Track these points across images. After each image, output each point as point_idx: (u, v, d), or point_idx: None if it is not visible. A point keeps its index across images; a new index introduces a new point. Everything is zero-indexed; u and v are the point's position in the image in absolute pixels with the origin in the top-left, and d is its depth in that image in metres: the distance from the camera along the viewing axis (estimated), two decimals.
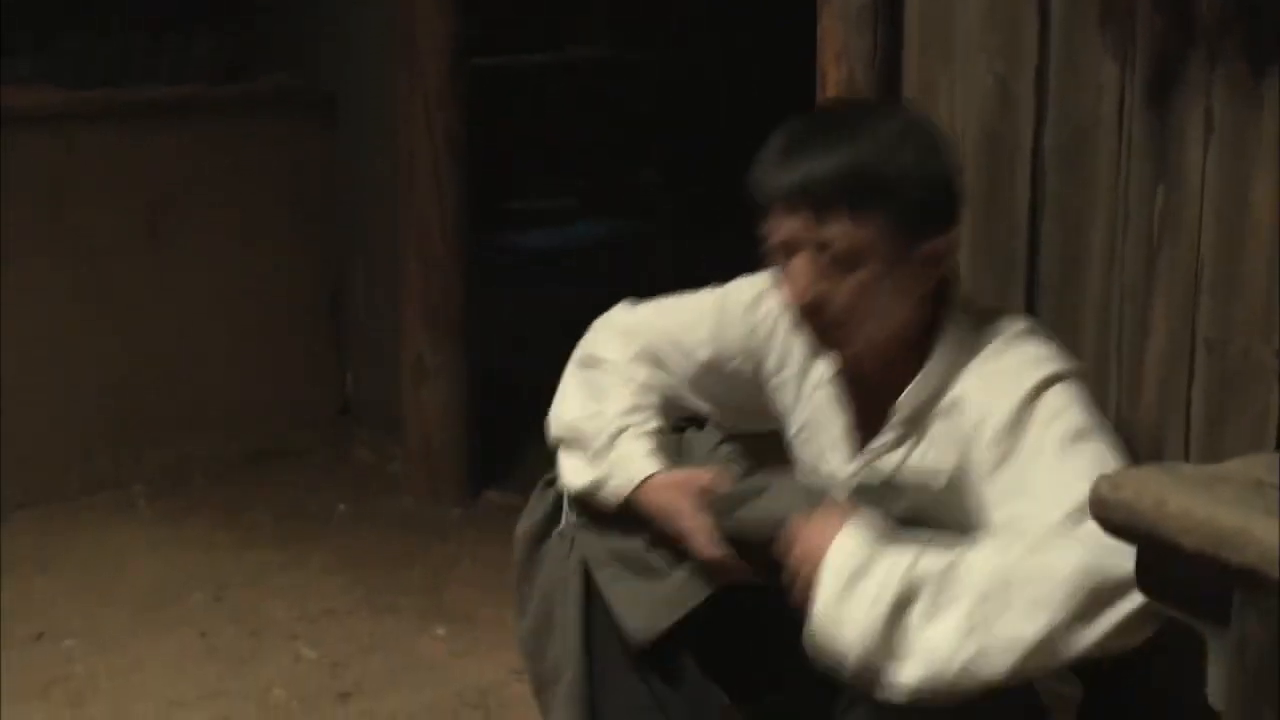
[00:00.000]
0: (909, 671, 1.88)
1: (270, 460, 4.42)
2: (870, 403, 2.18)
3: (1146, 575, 1.62)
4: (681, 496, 2.21)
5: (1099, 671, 2.07)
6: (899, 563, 1.90)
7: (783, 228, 2.07)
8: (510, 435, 4.40)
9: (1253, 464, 1.71)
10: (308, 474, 4.40)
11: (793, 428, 2.33)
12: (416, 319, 4.16)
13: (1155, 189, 2.34)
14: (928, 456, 2.11)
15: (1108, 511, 1.57)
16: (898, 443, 2.14)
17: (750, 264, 2.51)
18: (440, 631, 3.50)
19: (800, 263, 2.06)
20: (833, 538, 1.96)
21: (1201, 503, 1.52)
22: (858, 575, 1.91)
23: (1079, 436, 1.99)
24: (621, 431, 2.30)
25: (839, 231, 2.03)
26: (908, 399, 2.12)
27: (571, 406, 2.38)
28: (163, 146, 4.27)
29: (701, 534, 2.18)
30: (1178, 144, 2.31)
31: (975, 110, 2.55)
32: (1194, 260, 2.29)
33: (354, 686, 3.27)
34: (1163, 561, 1.57)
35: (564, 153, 6.34)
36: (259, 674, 3.31)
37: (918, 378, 2.11)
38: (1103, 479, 1.60)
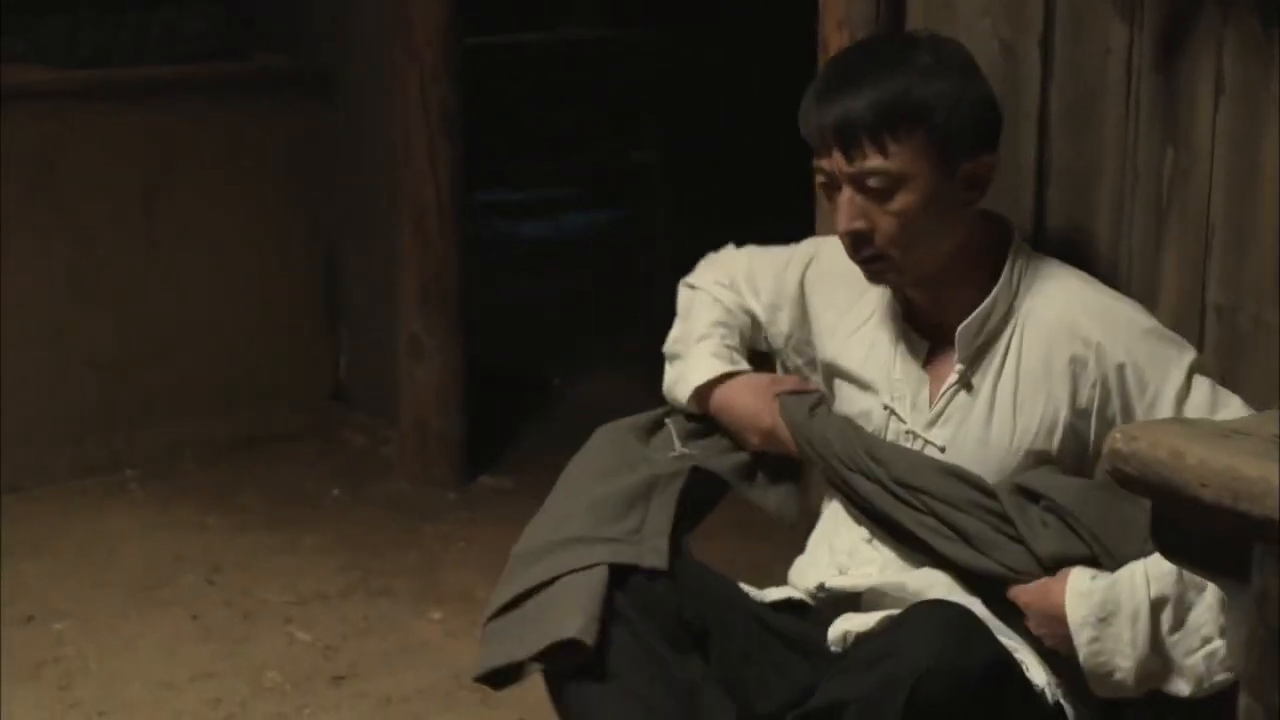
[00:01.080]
0: (1182, 679, 2.08)
1: (263, 444, 4.38)
2: (935, 343, 2.29)
3: (1162, 530, 1.57)
4: (761, 398, 2.39)
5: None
6: (1134, 593, 2.07)
7: (824, 165, 2.20)
8: (505, 421, 4.38)
9: (1267, 419, 1.68)
10: (301, 457, 4.36)
11: (840, 371, 2.40)
12: (411, 296, 4.13)
13: (1164, 151, 2.31)
14: (1018, 375, 2.22)
15: (1121, 463, 1.53)
16: (968, 375, 2.24)
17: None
18: (435, 614, 3.48)
19: (844, 195, 2.18)
20: (1060, 596, 2.11)
21: (1220, 454, 1.49)
22: (1106, 620, 2.08)
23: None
24: (703, 339, 2.46)
25: (875, 163, 2.14)
26: (975, 320, 2.22)
27: (672, 330, 2.55)
28: (157, 126, 4.22)
29: (784, 433, 2.36)
30: (1187, 105, 2.28)
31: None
32: (1204, 223, 2.27)
33: (348, 669, 3.24)
34: (1179, 515, 1.53)
35: (558, 138, 6.29)
36: (252, 656, 3.28)
37: (986, 300, 2.22)
38: (1117, 431, 1.56)
